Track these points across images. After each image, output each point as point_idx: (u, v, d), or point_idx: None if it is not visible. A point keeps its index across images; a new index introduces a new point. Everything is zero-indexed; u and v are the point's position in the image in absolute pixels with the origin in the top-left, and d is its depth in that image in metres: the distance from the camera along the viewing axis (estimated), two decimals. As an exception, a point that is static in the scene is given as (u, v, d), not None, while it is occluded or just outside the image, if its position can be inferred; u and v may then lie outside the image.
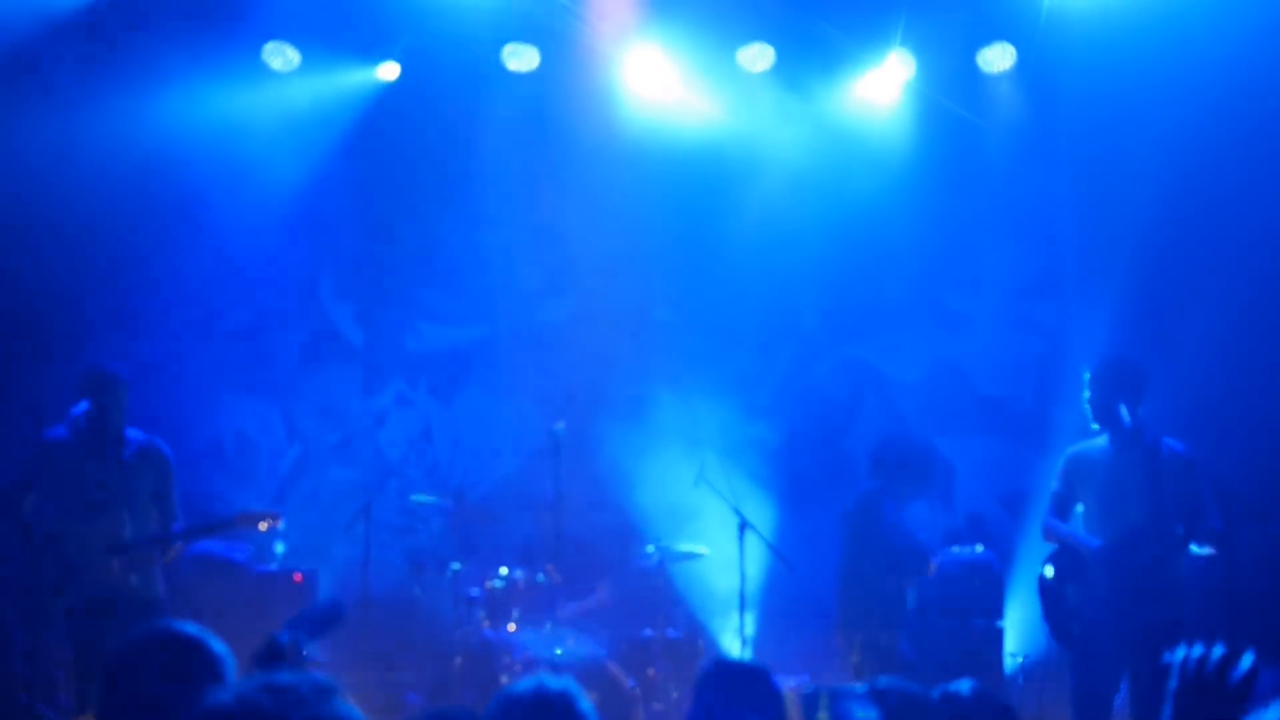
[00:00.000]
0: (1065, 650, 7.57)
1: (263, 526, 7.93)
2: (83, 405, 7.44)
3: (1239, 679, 2.56)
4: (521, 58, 11.09)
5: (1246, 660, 2.57)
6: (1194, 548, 7.23)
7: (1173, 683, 2.62)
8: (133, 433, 7.73)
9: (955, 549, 10.13)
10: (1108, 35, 10.09)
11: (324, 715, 2.10)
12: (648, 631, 9.33)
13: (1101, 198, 10.86)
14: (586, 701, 2.93)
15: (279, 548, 10.60)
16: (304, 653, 3.60)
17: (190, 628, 3.20)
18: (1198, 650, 2.62)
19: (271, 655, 3.48)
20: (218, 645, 3.17)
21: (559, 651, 8.71)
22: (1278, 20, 9.57)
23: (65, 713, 7.67)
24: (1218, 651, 2.60)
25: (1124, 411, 7.24)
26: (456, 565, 9.33)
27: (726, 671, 4.21)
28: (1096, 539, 7.35)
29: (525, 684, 2.95)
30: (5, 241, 10.05)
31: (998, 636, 9.61)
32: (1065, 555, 7.52)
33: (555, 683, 2.92)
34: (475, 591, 9.21)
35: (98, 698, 3.13)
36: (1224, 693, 2.56)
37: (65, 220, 10.17)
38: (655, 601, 9.35)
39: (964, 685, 3.63)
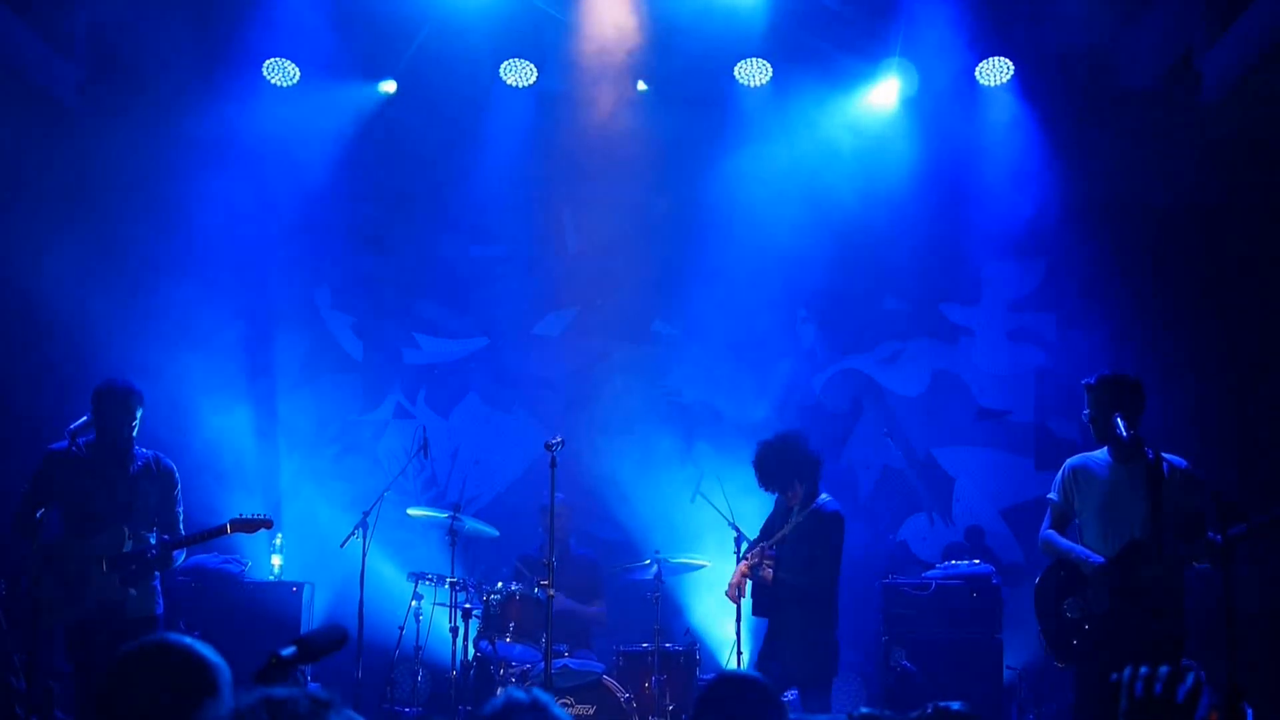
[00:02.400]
0: (1064, 664, 7.56)
1: (254, 531, 7.93)
2: (83, 419, 7.43)
3: (1185, 696, 2.58)
4: (519, 73, 11.11)
5: (1189, 679, 2.59)
6: (1195, 564, 7.22)
7: (1122, 703, 2.63)
8: (141, 449, 7.74)
9: (955, 562, 10.16)
10: (1105, 48, 10.11)
11: (322, 728, 2.10)
12: (645, 644, 9.33)
13: (1100, 210, 10.88)
14: (559, 710, 2.92)
15: (276, 561, 10.60)
16: (304, 670, 3.60)
17: (185, 638, 3.21)
18: (1143, 670, 2.63)
19: (273, 670, 3.48)
20: (213, 655, 3.18)
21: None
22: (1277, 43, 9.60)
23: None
24: (1163, 670, 2.61)
25: (1121, 425, 7.24)
26: (454, 578, 9.33)
27: (730, 684, 4.19)
28: (1098, 555, 7.34)
29: (493, 702, 2.94)
30: (7, 255, 10.07)
31: (996, 649, 9.60)
32: (1064, 569, 7.51)
33: (523, 695, 2.91)
34: (472, 604, 9.20)
35: (94, 709, 3.14)
36: (1173, 711, 2.58)
37: (66, 233, 10.18)
38: (652, 614, 9.34)
39: (932, 705, 3.62)
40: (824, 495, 8.44)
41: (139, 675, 3.12)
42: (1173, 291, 10.60)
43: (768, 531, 8.64)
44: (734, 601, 8.38)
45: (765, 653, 8.34)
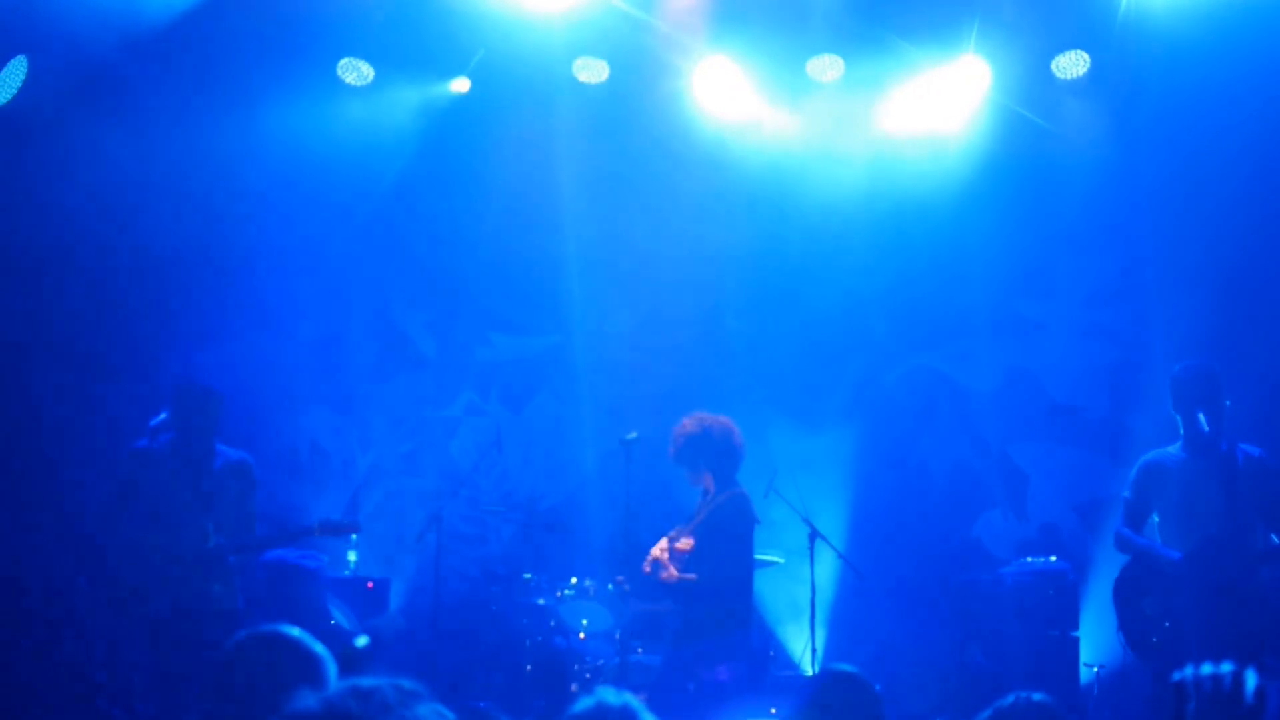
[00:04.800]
0: (1144, 661, 7.48)
1: (341, 535, 8.01)
2: (163, 415, 7.53)
3: (1254, 694, 2.55)
4: (592, 70, 11.13)
5: (1251, 679, 2.57)
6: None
7: (1190, 703, 2.60)
8: (221, 446, 7.83)
9: (1029, 559, 10.08)
10: (1184, 39, 9.98)
11: (412, 717, 2.12)
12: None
13: (1178, 202, 10.72)
14: (649, 715, 2.92)
15: (351, 556, 10.68)
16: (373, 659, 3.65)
17: (293, 630, 3.27)
18: (1206, 668, 2.61)
19: (349, 661, 3.53)
20: (319, 647, 3.24)
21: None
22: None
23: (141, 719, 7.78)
24: (1226, 668, 2.59)
25: (1202, 419, 7.16)
26: (527, 574, 9.37)
27: (834, 681, 4.15)
28: (1175, 551, 7.26)
29: (584, 702, 2.93)
30: (88, 256, 10.20)
31: (1072, 646, 9.52)
32: (1141, 566, 7.44)
33: (615, 698, 2.91)
34: (546, 600, 9.23)
35: (203, 697, 3.20)
36: (1242, 709, 2.56)
37: (145, 233, 10.30)
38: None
39: (1014, 695, 3.60)
40: (734, 488, 8.15)
41: (254, 663, 3.18)
42: (1252, 284, 10.43)
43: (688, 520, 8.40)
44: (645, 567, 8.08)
45: (679, 640, 8.00)
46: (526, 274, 11.89)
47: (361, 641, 3.69)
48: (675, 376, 11.35)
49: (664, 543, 8.00)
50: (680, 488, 8.54)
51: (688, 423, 8.18)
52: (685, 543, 7.90)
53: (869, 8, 10.60)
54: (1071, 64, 10.73)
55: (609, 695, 2.87)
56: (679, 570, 7.86)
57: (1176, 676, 2.64)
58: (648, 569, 7.97)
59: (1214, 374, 7.41)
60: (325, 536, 7.96)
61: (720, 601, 7.90)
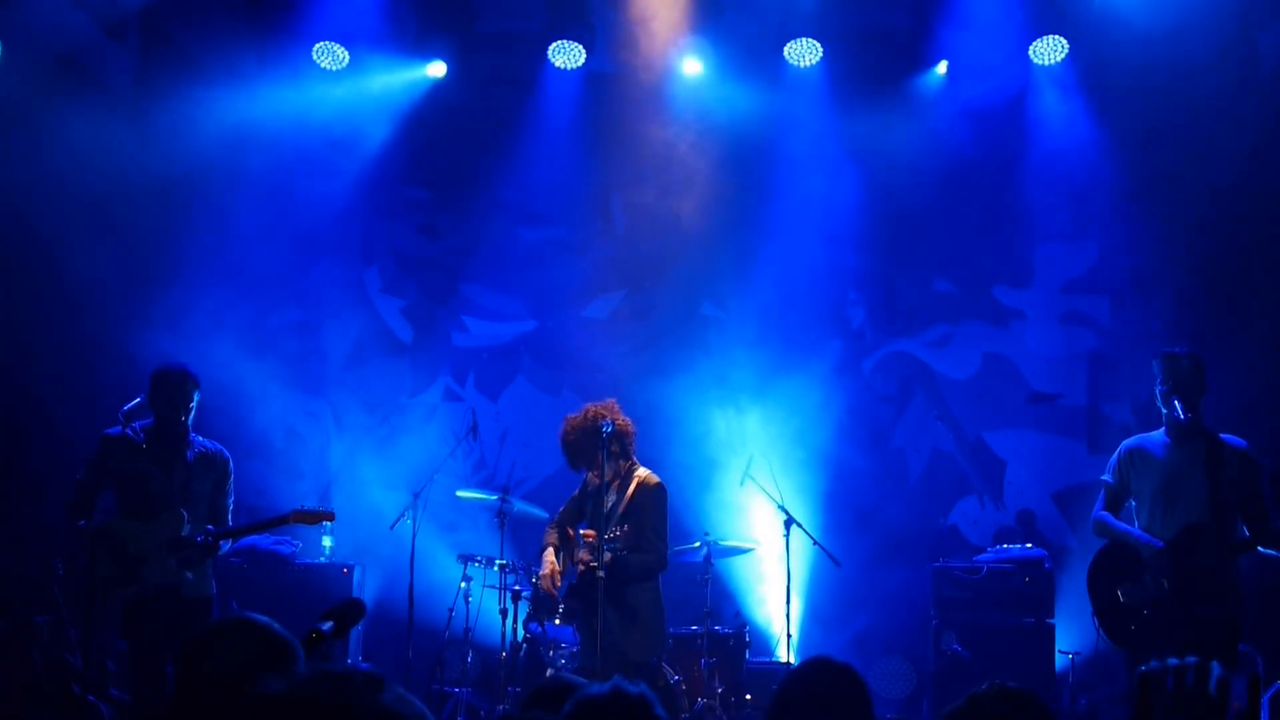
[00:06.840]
0: (1120, 648, 7.47)
1: (316, 523, 7.97)
2: (136, 401, 7.47)
3: (1217, 688, 2.57)
4: (568, 55, 11.10)
5: (1215, 671, 2.59)
6: (1261, 548, 7.14)
7: (1155, 696, 2.61)
8: (196, 435, 7.77)
9: (1006, 546, 10.10)
10: (1162, 25, 10.00)
11: (377, 703, 2.11)
12: (694, 626, 9.33)
13: (1155, 190, 10.77)
14: (662, 708, 2.94)
15: (326, 542, 10.65)
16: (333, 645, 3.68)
17: (262, 617, 3.29)
18: (1172, 662, 2.62)
19: (315, 644, 3.54)
20: (288, 634, 3.26)
21: None
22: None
23: (116, 704, 7.74)
24: (1191, 661, 2.61)
25: (1179, 408, 7.16)
26: (503, 560, 9.35)
27: (818, 670, 4.12)
28: (1156, 538, 7.25)
29: (602, 688, 2.95)
30: (61, 239, 10.14)
31: (1048, 634, 9.55)
32: (1118, 552, 7.43)
33: (632, 687, 2.93)
34: (521, 586, 9.22)
35: (174, 681, 3.21)
36: (1206, 704, 2.57)
37: (119, 217, 10.26)
38: (702, 596, 9.34)
39: (988, 683, 3.60)
40: (642, 467, 7.99)
41: (224, 649, 3.19)
42: (1230, 272, 10.46)
43: (577, 511, 8.23)
44: (551, 592, 7.88)
45: (592, 641, 7.55)
46: (502, 260, 11.87)
47: (326, 626, 3.70)
48: (651, 363, 11.34)
49: (589, 534, 7.82)
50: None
51: (580, 419, 7.96)
52: (618, 531, 7.77)
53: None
54: (1049, 49, 10.74)
55: (626, 684, 2.90)
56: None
57: (1142, 669, 2.64)
58: (592, 562, 7.75)
59: (1197, 361, 7.41)
60: (299, 525, 7.92)
61: (653, 585, 7.85)
